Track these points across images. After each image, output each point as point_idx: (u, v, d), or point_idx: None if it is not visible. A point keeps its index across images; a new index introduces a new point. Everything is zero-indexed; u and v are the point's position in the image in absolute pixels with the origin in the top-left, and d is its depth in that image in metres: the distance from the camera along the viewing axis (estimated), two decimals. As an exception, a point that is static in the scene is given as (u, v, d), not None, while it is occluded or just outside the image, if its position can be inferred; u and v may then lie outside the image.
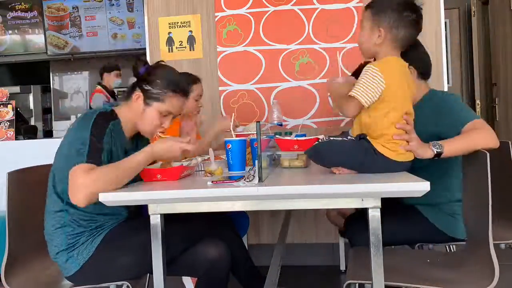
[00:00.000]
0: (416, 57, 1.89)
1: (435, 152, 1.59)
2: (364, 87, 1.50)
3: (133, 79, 1.76)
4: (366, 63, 1.94)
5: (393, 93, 1.52)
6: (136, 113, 1.71)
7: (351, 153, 1.51)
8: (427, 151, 1.59)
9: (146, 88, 1.69)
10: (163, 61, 1.82)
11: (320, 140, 1.62)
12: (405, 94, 1.57)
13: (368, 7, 1.65)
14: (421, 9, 1.66)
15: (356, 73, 2.54)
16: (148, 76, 1.70)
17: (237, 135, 1.83)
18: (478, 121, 1.70)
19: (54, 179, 1.66)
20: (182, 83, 1.77)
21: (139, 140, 1.81)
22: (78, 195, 1.45)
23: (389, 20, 1.58)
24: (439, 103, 1.83)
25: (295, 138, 1.83)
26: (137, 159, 1.57)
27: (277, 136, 2.25)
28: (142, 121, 1.71)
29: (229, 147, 1.66)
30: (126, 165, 1.54)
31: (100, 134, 1.58)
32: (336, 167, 1.53)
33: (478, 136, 1.64)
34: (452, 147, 1.62)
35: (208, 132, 2.45)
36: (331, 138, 1.59)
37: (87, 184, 1.45)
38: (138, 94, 1.70)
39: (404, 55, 1.74)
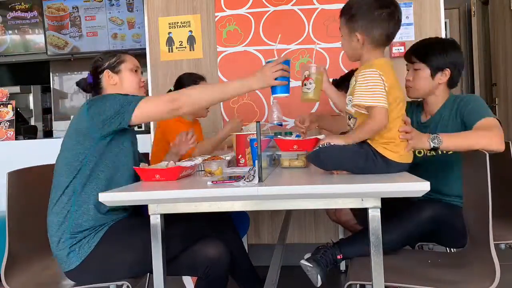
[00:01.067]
0: (456, 62, 1.89)
1: (431, 146, 1.61)
2: (374, 92, 1.48)
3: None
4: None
5: (392, 94, 1.52)
6: (116, 89, 1.81)
7: (352, 158, 1.51)
8: (422, 143, 1.61)
9: (105, 65, 1.84)
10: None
11: (320, 141, 1.62)
12: (401, 95, 1.57)
13: (341, 14, 1.64)
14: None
15: (343, 79, 2.56)
16: (97, 62, 1.86)
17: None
18: (491, 120, 1.71)
19: (58, 174, 1.66)
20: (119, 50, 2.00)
21: None
22: (175, 102, 1.63)
23: (362, 23, 1.56)
24: (460, 104, 1.85)
25: (295, 138, 1.83)
26: (246, 82, 1.75)
27: (277, 136, 2.25)
28: (125, 88, 1.83)
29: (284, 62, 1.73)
30: (220, 85, 1.80)
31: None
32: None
33: (483, 137, 1.65)
34: (450, 143, 1.63)
35: (220, 132, 2.46)
36: (332, 143, 1.59)
37: (190, 93, 1.70)
38: (105, 73, 1.84)
39: (446, 56, 1.83)
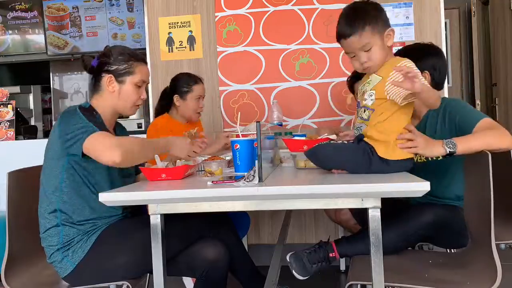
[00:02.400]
0: (434, 64, 1.90)
1: (448, 152, 1.57)
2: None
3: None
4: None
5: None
6: (113, 97, 1.73)
7: (350, 156, 1.51)
8: (437, 150, 1.57)
9: (112, 68, 1.72)
10: (108, 45, 1.85)
11: (331, 141, 1.63)
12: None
13: (363, 26, 1.54)
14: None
15: (355, 77, 2.56)
16: (108, 58, 1.73)
17: (241, 135, 1.83)
18: (488, 120, 1.71)
19: (44, 180, 1.66)
20: (137, 51, 1.82)
21: (117, 130, 1.85)
22: (114, 153, 1.47)
23: (384, 23, 1.57)
24: (447, 110, 1.84)
25: (302, 138, 1.82)
26: (156, 142, 1.68)
27: (277, 136, 2.25)
28: (121, 101, 1.74)
29: (237, 147, 1.62)
30: (145, 141, 1.65)
31: (94, 118, 1.62)
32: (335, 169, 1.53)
33: (492, 136, 1.64)
34: (465, 146, 1.59)
35: (211, 147, 2.43)
36: (331, 141, 1.58)
37: (121, 144, 1.49)
38: (108, 77, 1.72)
39: (422, 60, 1.80)
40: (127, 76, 1.73)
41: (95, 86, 1.76)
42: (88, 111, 1.66)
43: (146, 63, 1.82)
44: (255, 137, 1.44)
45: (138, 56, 1.78)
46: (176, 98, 2.58)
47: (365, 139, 1.53)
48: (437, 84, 1.91)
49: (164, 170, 1.60)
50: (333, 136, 1.74)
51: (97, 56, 1.75)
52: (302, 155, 1.69)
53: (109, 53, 1.74)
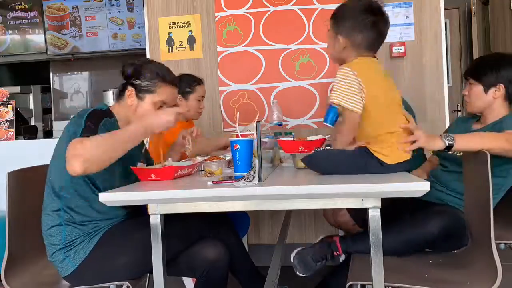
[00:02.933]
0: (511, 77, 1.91)
1: (447, 144, 1.63)
2: (349, 94, 1.50)
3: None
4: None
5: (370, 93, 1.51)
6: (130, 109, 1.73)
7: (347, 162, 1.52)
8: (437, 143, 1.63)
9: (136, 83, 1.72)
10: (149, 59, 1.83)
11: (326, 146, 1.64)
12: (382, 95, 1.56)
13: (331, 17, 1.69)
14: (384, 12, 1.63)
15: None
16: (137, 71, 1.73)
17: (241, 135, 1.82)
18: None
19: (51, 178, 1.66)
20: (171, 73, 1.81)
21: None
22: (74, 164, 1.42)
23: (347, 26, 1.60)
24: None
25: (292, 139, 1.83)
26: (130, 129, 1.57)
27: (277, 136, 2.25)
28: (136, 116, 1.72)
29: (237, 147, 1.60)
30: (120, 134, 1.56)
31: (94, 123, 1.60)
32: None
33: (490, 137, 1.67)
34: (463, 141, 1.65)
35: (214, 143, 2.43)
36: (328, 148, 1.60)
37: (81, 153, 1.43)
38: (130, 90, 1.73)
39: (499, 72, 1.86)
40: (148, 94, 1.72)
41: (120, 93, 1.77)
42: (99, 114, 1.66)
43: (174, 85, 1.79)
44: (255, 137, 1.44)
45: (167, 77, 1.76)
46: (178, 98, 2.59)
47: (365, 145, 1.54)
48: (510, 98, 1.93)
49: (154, 171, 1.60)
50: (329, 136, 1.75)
51: (134, 66, 1.75)
52: (301, 155, 1.69)
53: (140, 68, 1.74)
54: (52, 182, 1.66)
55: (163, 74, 1.75)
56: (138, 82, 1.72)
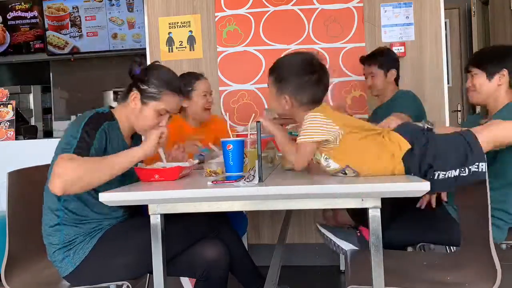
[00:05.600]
0: None
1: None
2: (309, 130, 1.47)
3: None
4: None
5: (339, 122, 1.48)
6: (133, 113, 1.71)
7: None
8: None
9: (142, 87, 1.69)
10: (158, 61, 1.82)
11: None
12: (354, 123, 1.53)
13: (270, 73, 1.65)
14: (324, 64, 1.61)
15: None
16: (144, 76, 1.70)
17: (237, 135, 1.82)
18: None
19: (50, 178, 1.66)
20: (178, 82, 1.78)
21: (138, 141, 1.81)
22: (55, 182, 1.43)
23: (291, 88, 1.57)
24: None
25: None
26: (118, 159, 1.56)
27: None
28: (138, 120, 1.71)
29: (230, 147, 1.61)
30: (108, 161, 1.54)
31: (92, 130, 1.59)
32: None
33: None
34: (485, 131, 1.64)
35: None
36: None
37: (65, 172, 1.44)
38: (134, 94, 1.70)
39: (498, 59, 1.86)
40: (152, 101, 1.69)
41: (125, 94, 1.75)
42: (101, 116, 1.66)
43: (179, 93, 1.76)
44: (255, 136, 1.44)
45: (173, 85, 1.73)
46: (182, 100, 2.55)
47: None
48: None
49: (157, 171, 1.59)
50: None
51: (142, 68, 1.72)
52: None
53: (149, 72, 1.71)
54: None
55: (170, 83, 1.72)
56: (144, 87, 1.69)
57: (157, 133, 1.64)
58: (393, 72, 2.66)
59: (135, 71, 1.72)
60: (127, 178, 1.65)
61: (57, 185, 1.43)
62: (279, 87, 1.60)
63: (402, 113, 2.17)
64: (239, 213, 2.54)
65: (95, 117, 1.65)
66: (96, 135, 1.59)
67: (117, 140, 1.68)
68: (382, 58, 2.66)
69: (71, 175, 1.44)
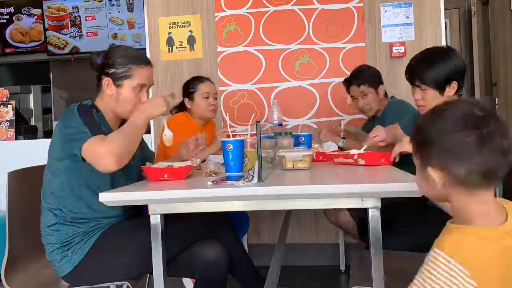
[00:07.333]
0: (458, 71, 1.84)
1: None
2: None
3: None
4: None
5: None
6: (112, 99, 1.71)
7: None
8: (407, 144, 1.63)
9: (110, 72, 1.70)
10: (114, 44, 1.82)
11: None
12: None
13: (412, 139, 1.04)
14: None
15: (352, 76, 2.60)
16: (108, 60, 1.71)
17: (236, 135, 1.83)
18: None
19: (47, 178, 1.66)
20: (141, 53, 1.81)
21: None
22: (107, 161, 1.48)
23: (437, 153, 0.96)
24: None
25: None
26: (133, 122, 1.61)
27: (278, 136, 2.25)
28: (119, 104, 1.71)
29: (230, 147, 1.61)
30: (129, 128, 1.60)
31: (91, 119, 1.62)
32: None
33: None
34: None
35: (210, 147, 2.43)
36: None
37: (111, 148, 1.49)
38: (106, 80, 1.71)
39: (445, 70, 1.79)
40: (125, 80, 1.69)
41: (98, 85, 1.75)
42: (87, 110, 1.66)
43: (147, 64, 1.75)
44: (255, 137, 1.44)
45: (139, 59, 1.73)
46: (186, 101, 2.63)
47: None
48: (460, 89, 1.86)
49: (167, 170, 1.59)
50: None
51: (102, 55, 1.73)
52: (291, 156, 1.69)
53: (110, 55, 1.71)
54: (48, 181, 1.66)
55: (134, 57, 1.72)
56: (112, 70, 1.69)
57: (160, 96, 1.69)
58: (382, 87, 2.55)
59: (97, 61, 1.73)
60: (129, 171, 1.67)
61: (110, 161, 1.48)
62: (422, 158, 1.01)
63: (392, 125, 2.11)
64: (242, 213, 2.54)
65: (82, 108, 1.65)
66: (96, 121, 1.63)
67: (107, 130, 1.67)
68: (368, 76, 2.54)
69: (117, 149, 1.49)
